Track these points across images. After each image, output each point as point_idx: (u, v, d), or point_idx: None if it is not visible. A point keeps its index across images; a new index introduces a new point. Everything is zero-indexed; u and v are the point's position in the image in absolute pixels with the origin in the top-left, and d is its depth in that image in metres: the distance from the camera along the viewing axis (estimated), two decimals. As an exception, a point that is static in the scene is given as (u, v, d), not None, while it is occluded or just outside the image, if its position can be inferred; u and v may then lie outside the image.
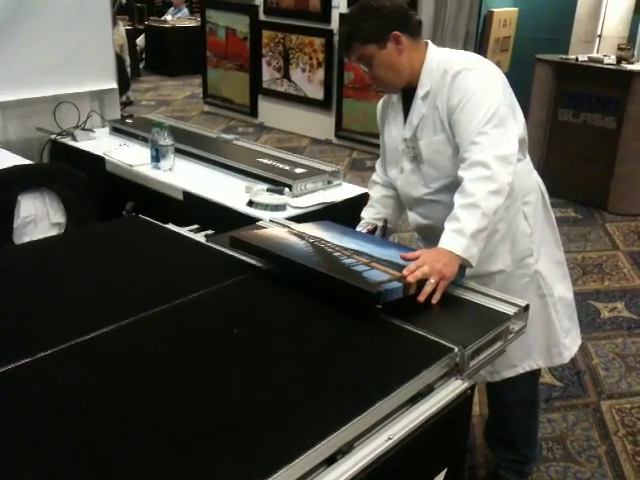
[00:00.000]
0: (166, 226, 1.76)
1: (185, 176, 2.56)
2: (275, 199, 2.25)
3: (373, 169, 1.98)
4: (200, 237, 1.70)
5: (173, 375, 1.10)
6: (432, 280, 1.36)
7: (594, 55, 4.86)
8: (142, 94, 7.97)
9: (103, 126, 3.24)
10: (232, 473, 0.88)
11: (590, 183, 4.54)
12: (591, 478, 2.14)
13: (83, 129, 3.06)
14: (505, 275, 1.74)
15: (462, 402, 1.14)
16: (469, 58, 1.67)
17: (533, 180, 1.80)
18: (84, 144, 2.97)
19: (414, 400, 1.09)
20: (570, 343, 1.88)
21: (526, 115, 1.85)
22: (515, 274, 1.75)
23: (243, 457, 0.90)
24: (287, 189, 2.35)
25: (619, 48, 4.63)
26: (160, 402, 1.03)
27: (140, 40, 9.51)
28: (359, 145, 5.71)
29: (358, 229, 1.82)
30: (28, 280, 1.46)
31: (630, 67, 4.42)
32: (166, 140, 2.59)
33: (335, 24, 5.45)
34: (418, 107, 1.67)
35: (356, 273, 1.34)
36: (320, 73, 5.89)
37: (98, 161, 2.79)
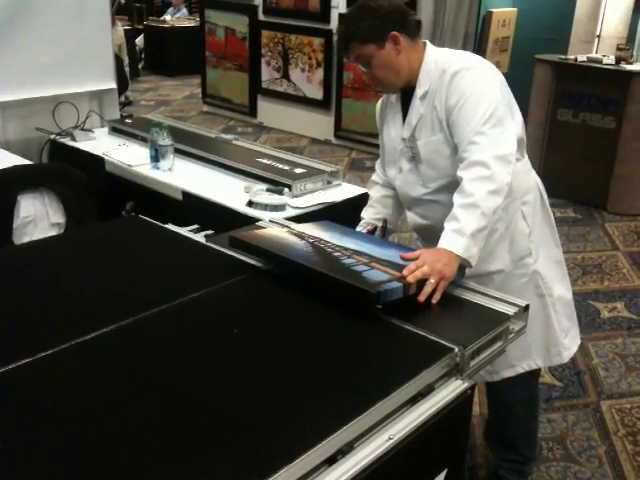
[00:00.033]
0: (166, 226, 1.76)
1: (184, 176, 2.56)
2: (275, 199, 2.25)
3: (372, 169, 1.98)
4: (200, 237, 1.70)
5: (173, 375, 1.10)
6: (432, 280, 1.36)
7: (593, 55, 4.86)
8: (141, 94, 7.96)
9: (102, 126, 3.24)
10: (232, 473, 0.88)
11: (590, 183, 4.54)
12: (591, 478, 2.14)
13: (82, 129, 3.06)
14: (504, 275, 1.74)
15: (462, 402, 1.14)
16: (467, 58, 1.67)
17: (532, 180, 1.80)
18: (83, 144, 2.96)
19: (414, 400, 1.09)
20: (569, 343, 1.88)
21: (525, 115, 1.86)
22: (514, 274, 1.75)
23: (243, 457, 0.90)
24: (287, 189, 2.35)
25: (618, 48, 4.63)
26: (160, 402, 1.02)
27: (139, 40, 9.51)
28: (358, 145, 5.71)
29: (358, 229, 1.82)
30: (28, 280, 1.45)
31: (629, 67, 4.42)
32: (165, 140, 2.59)
33: (334, 24, 5.45)
34: (416, 107, 1.67)
35: (356, 273, 1.34)
36: (319, 73, 5.89)
37: (97, 161, 2.79)
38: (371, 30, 1.60)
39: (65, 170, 2.61)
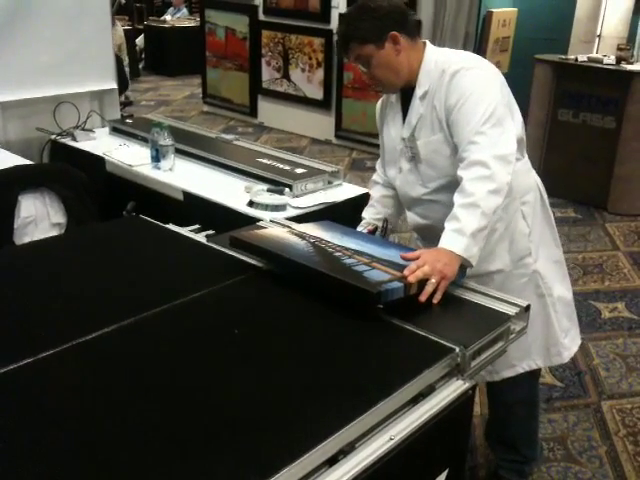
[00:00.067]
0: (167, 226, 1.76)
1: (185, 176, 2.56)
2: (275, 199, 2.25)
3: (373, 169, 1.98)
4: (201, 237, 1.70)
5: (173, 375, 1.10)
6: (433, 280, 1.36)
7: (594, 55, 4.86)
8: (142, 94, 7.97)
9: (103, 126, 3.24)
10: (233, 474, 0.88)
11: (590, 183, 4.54)
12: (592, 478, 2.14)
13: (83, 129, 3.06)
14: (504, 275, 1.74)
15: (463, 402, 1.14)
16: (467, 58, 1.67)
17: (531, 180, 1.80)
18: (84, 144, 2.96)
19: (415, 400, 1.09)
20: (569, 343, 1.88)
21: (526, 115, 1.86)
22: (514, 274, 1.75)
23: (244, 457, 0.90)
24: (287, 189, 2.35)
25: (618, 48, 4.63)
26: (160, 402, 1.02)
27: (139, 40, 9.51)
28: (359, 145, 5.71)
29: (359, 229, 1.83)
30: (29, 280, 1.45)
31: (629, 67, 4.42)
32: (166, 140, 2.59)
33: (335, 24, 5.44)
34: (416, 107, 1.67)
35: (357, 273, 1.34)
36: (320, 73, 5.89)
37: (98, 161, 2.79)
38: (370, 30, 1.60)
39: (66, 170, 2.61)
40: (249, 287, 1.43)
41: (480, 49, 5.61)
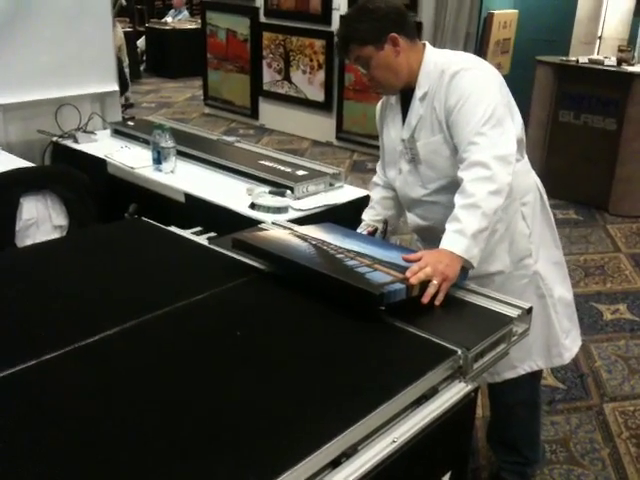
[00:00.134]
0: (169, 228, 1.76)
1: (187, 178, 2.56)
2: (277, 201, 2.25)
3: (374, 171, 1.98)
4: (202, 240, 1.70)
5: (175, 377, 1.10)
6: (435, 281, 1.36)
7: (594, 57, 4.86)
8: (143, 96, 7.97)
9: (104, 128, 3.25)
10: (233, 475, 0.88)
11: (591, 184, 4.54)
12: (594, 480, 2.14)
13: (84, 131, 3.07)
14: (504, 276, 1.74)
15: (466, 405, 1.14)
16: (466, 59, 1.68)
17: (531, 180, 1.80)
18: (85, 146, 2.97)
19: (418, 403, 1.09)
20: (570, 344, 1.88)
21: (527, 116, 1.86)
22: (514, 275, 1.75)
23: (247, 460, 0.90)
24: (289, 191, 2.35)
25: (619, 50, 4.64)
26: (161, 403, 1.02)
27: (141, 42, 9.52)
28: (360, 147, 5.72)
29: (358, 231, 1.83)
30: (31, 283, 1.45)
31: (630, 69, 4.42)
32: (167, 142, 2.59)
33: (335, 26, 5.45)
34: (416, 108, 1.67)
35: (359, 275, 1.34)
36: (321, 75, 5.90)
37: (99, 163, 2.79)
38: (369, 32, 1.60)
39: (67, 172, 2.61)
40: (251, 289, 1.43)
41: (481, 51, 5.61)
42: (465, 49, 5.09)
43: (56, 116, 3.05)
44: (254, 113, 6.59)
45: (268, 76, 6.35)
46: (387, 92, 1.76)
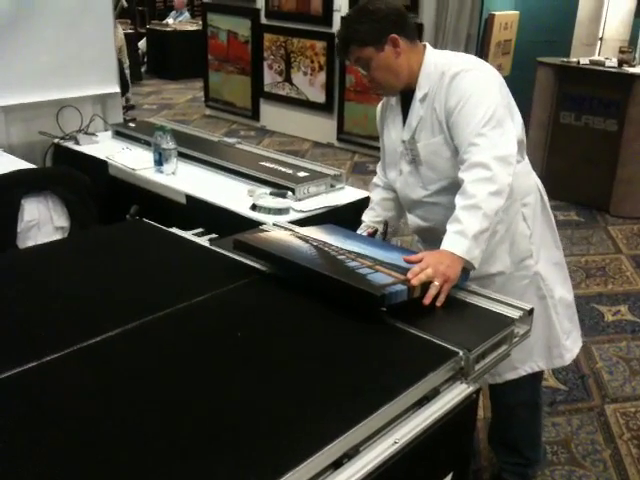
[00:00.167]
0: (170, 230, 1.76)
1: (188, 180, 2.56)
2: (278, 203, 2.25)
3: (375, 172, 1.98)
4: (204, 241, 1.70)
5: (177, 378, 1.10)
6: (436, 282, 1.36)
7: (595, 58, 4.86)
8: (144, 98, 7.98)
9: (106, 130, 3.25)
10: (235, 476, 0.88)
11: (592, 186, 4.54)
12: (595, 482, 2.14)
13: (86, 133, 3.07)
14: (505, 277, 1.74)
15: (467, 406, 1.14)
16: (467, 60, 1.68)
17: (532, 181, 1.80)
18: (87, 148, 2.97)
19: (420, 404, 1.09)
20: (571, 345, 1.88)
21: (528, 117, 1.86)
22: (515, 276, 1.75)
23: (249, 461, 0.90)
24: (290, 193, 2.35)
25: (620, 51, 4.64)
26: (162, 403, 1.03)
27: (142, 44, 9.53)
28: (361, 148, 5.72)
29: (358, 232, 1.83)
30: (32, 284, 1.46)
31: (631, 70, 4.42)
32: (169, 144, 2.60)
33: (336, 27, 5.45)
34: (416, 109, 1.67)
35: (360, 276, 1.34)
36: (322, 76, 5.90)
37: (101, 165, 2.80)
38: (370, 33, 1.60)
39: (69, 174, 2.61)
40: (252, 290, 1.43)
41: (482, 52, 5.61)
42: (466, 50, 5.09)
43: (57, 118, 3.05)
44: (255, 114, 6.60)
45: (269, 77, 6.36)
46: (387, 93, 1.76)
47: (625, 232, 4.21)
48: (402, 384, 1.06)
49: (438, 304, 1.35)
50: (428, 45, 1.70)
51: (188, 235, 1.74)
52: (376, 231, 1.84)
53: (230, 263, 1.55)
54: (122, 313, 1.29)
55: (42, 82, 3.09)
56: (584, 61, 4.65)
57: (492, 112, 1.53)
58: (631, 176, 4.42)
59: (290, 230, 1.72)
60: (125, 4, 7.48)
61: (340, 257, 1.45)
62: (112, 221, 2.03)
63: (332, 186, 2.50)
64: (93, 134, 3.09)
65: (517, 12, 6.14)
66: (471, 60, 1.68)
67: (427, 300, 1.34)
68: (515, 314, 1.34)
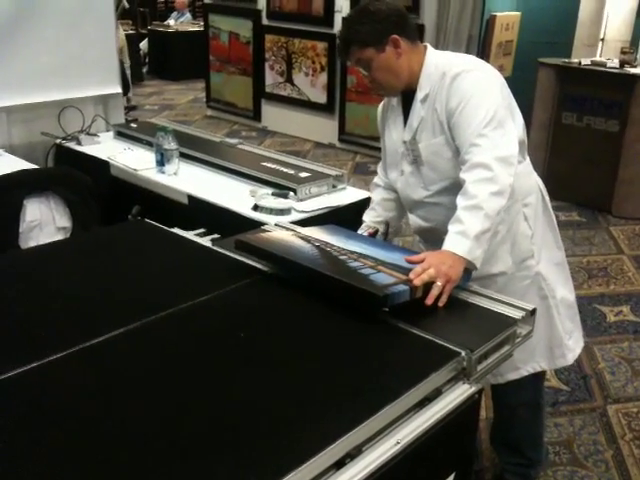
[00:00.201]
0: (172, 230, 1.76)
1: (190, 180, 2.56)
2: (280, 203, 2.25)
3: (377, 173, 1.98)
4: (206, 241, 1.70)
5: (178, 378, 1.10)
6: (439, 283, 1.36)
7: (597, 59, 4.86)
8: (145, 98, 7.99)
9: (107, 130, 3.25)
10: (235, 476, 0.88)
11: (594, 186, 4.53)
12: (598, 482, 2.14)
13: (88, 133, 3.07)
14: (506, 277, 1.74)
15: (470, 406, 1.14)
16: (468, 61, 1.68)
17: (533, 182, 1.80)
18: (89, 148, 2.97)
19: (422, 404, 1.09)
20: (573, 345, 1.88)
21: (529, 118, 1.86)
22: (516, 276, 1.75)
23: (249, 461, 0.90)
24: (292, 193, 2.35)
25: (622, 51, 4.63)
26: (163, 403, 1.03)
27: (143, 44, 9.54)
28: (362, 149, 5.72)
29: (359, 232, 1.82)
30: (34, 284, 1.46)
31: (633, 70, 4.42)
32: (171, 144, 2.60)
33: (338, 28, 5.45)
34: (417, 110, 1.67)
35: (363, 276, 1.34)
36: (323, 77, 5.90)
37: (103, 165, 2.80)
38: (370, 34, 1.60)
39: (71, 174, 2.61)
40: (254, 291, 1.43)
41: (483, 53, 5.61)
42: (467, 51, 5.09)
43: (59, 118, 3.05)
44: (256, 115, 6.60)
45: (270, 78, 6.36)
46: (388, 94, 1.76)
47: (627, 233, 4.21)
48: (404, 384, 1.06)
49: (440, 304, 1.35)
50: (429, 46, 1.70)
51: (190, 235, 1.74)
52: (377, 231, 1.84)
53: (232, 263, 1.55)
54: (124, 313, 1.29)
55: (44, 83, 3.10)
56: (585, 62, 4.65)
57: (493, 113, 1.53)
58: (633, 177, 4.42)
59: (292, 230, 1.72)
60: (127, 5, 7.47)
61: (342, 257, 1.45)
62: (114, 221, 2.04)
63: (334, 186, 2.50)
64: (95, 135, 3.09)
65: (518, 13, 6.14)
66: (472, 61, 1.68)
67: (429, 300, 1.34)
68: (517, 314, 1.34)
